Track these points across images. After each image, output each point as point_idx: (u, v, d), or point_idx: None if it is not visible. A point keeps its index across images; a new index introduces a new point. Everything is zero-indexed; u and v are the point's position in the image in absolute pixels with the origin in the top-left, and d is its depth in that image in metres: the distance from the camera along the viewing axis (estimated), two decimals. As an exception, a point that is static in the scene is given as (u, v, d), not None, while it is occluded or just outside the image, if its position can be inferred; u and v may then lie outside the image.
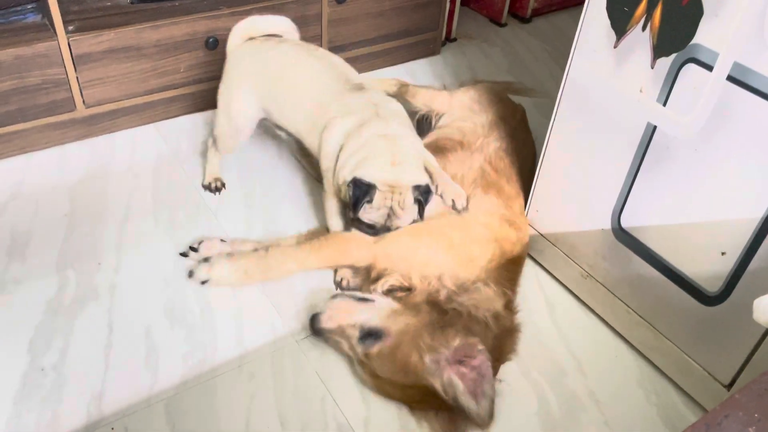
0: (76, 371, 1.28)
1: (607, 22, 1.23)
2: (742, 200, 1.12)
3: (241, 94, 1.56)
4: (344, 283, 1.49)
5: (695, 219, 1.20)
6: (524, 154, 1.68)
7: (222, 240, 1.53)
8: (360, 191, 1.35)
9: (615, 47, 1.23)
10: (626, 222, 1.34)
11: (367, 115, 1.42)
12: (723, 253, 1.17)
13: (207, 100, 2.00)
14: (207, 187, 1.72)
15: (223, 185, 1.73)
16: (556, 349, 1.42)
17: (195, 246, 1.52)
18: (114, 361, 1.31)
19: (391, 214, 1.38)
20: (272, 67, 1.54)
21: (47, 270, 1.48)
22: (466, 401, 1.15)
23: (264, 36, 1.61)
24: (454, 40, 2.54)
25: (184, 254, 1.53)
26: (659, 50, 1.16)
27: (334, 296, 1.34)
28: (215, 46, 1.89)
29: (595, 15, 1.25)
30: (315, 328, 1.30)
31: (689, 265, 1.24)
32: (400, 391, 1.25)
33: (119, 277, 1.48)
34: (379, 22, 2.19)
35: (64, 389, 1.25)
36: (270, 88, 1.54)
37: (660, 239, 1.28)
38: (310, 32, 2.05)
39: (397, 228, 1.41)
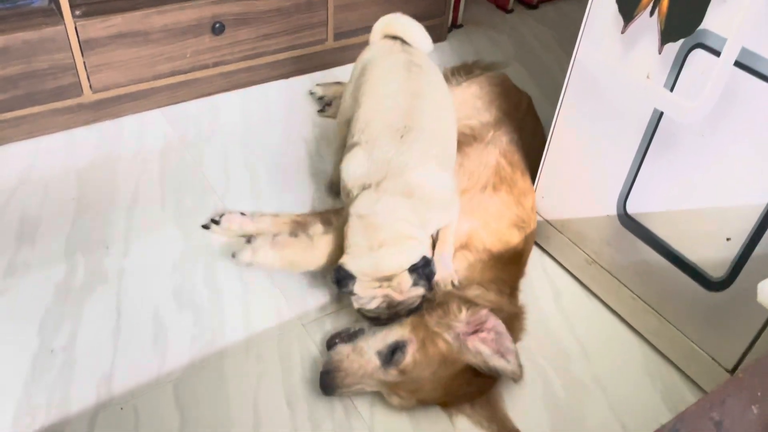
0: (86, 353, 1.30)
1: (615, 7, 1.22)
2: (747, 186, 1.12)
3: (349, 88, 1.54)
4: None
5: (701, 205, 1.20)
6: (535, 145, 1.67)
7: (242, 213, 1.56)
8: (340, 279, 1.23)
9: (622, 33, 1.23)
10: (632, 208, 1.34)
11: (370, 179, 1.30)
12: (728, 239, 1.18)
13: (213, 86, 2.01)
14: None
15: None
16: (561, 335, 1.43)
17: (216, 218, 1.56)
18: (123, 343, 1.32)
19: (390, 302, 1.24)
20: (371, 66, 1.49)
21: (56, 254, 1.49)
22: (497, 362, 1.18)
23: (399, 40, 1.54)
24: (461, 26, 2.53)
25: (205, 227, 1.57)
26: (667, 36, 1.16)
27: (330, 346, 1.27)
28: (221, 31, 1.89)
29: (602, 0, 1.24)
30: (332, 388, 1.21)
31: (694, 251, 1.25)
32: (444, 389, 1.21)
33: (127, 261, 1.49)
34: (385, 8, 2.18)
35: (74, 371, 1.27)
36: (360, 83, 1.49)
37: (665, 225, 1.29)
38: (315, 18, 2.05)
39: (409, 311, 1.26)
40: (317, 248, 1.38)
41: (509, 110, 1.73)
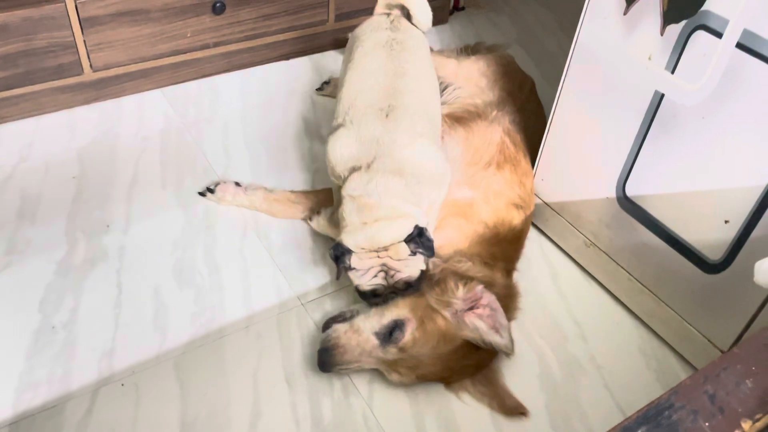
0: (87, 330, 1.31)
1: (618, -12, 1.22)
2: (747, 168, 1.13)
3: (344, 67, 1.56)
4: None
5: (700, 187, 1.21)
6: (536, 128, 1.66)
7: (237, 183, 1.60)
8: (338, 256, 1.24)
9: (624, 14, 1.23)
10: (631, 190, 1.34)
11: (360, 161, 1.30)
12: (726, 221, 1.18)
13: (214, 66, 2.00)
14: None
15: None
16: (559, 316, 1.44)
17: (212, 187, 1.61)
18: (123, 320, 1.33)
19: (387, 270, 1.24)
20: (357, 44, 1.51)
21: (57, 231, 1.50)
22: (492, 337, 1.21)
23: (396, 14, 1.58)
24: (462, 8, 2.52)
25: (201, 194, 1.62)
26: (669, 17, 1.15)
27: (327, 327, 1.26)
28: (222, 10, 1.88)
29: (605, -19, 1.24)
30: (330, 366, 1.21)
31: (692, 233, 1.26)
32: (443, 365, 1.23)
33: (128, 239, 1.49)
34: (386, -11, 2.17)
35: (75, 346, 1.28)
36: (346, 66, 1.52)
37: (664, 207, 1.29)
38: (317, -2, 2.04)
39: (408, 285, 1.26)
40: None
41: (513, 91, 1.72)
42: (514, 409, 1.24)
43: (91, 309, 1.35)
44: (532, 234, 1.61)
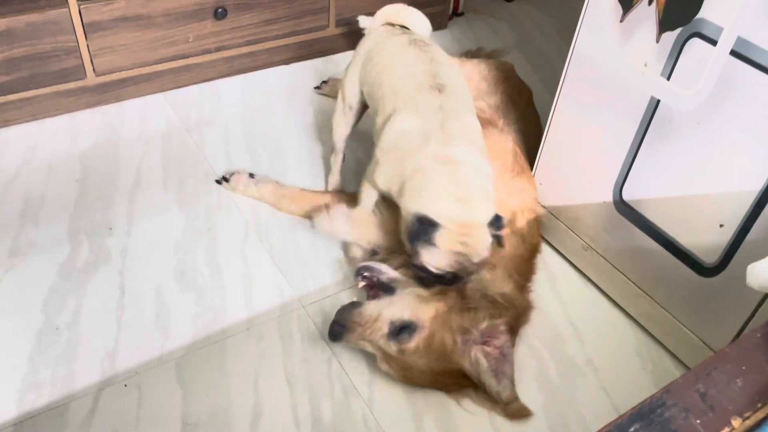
0: (90, 331, 1.32)
1: (614, -5, 1.24)
2: (741, 172, 1.14)
3: (353, 72, 1.56)
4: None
5: (695, 191, 1.23)
6: (538, 139, 1.67)
7: (251, 175, 1.66)
8: (421, 230, 1.14)
9: (621, 21, 1.24)
10: (628, 195, 1.36)
11: (430, 126, 1.28)
12: (721, 225, 1.20)
13: (215, 70, 2.02)
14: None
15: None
16: (556, 318, 1.46)
17: (227, 176, 1.67)
18: (126, 321, 1.35)
19: (465, 261, 1.18)
20: (377, 50, 1.52)
21: (60, 234, 1.51)
22: (489, 379, 1.21)
23: (399, 26, 1.59)
24: (462, 14, 2.54)
25: (218, 181, 1.68)
26: (665, 25, 1.17)
27: (360, 273, 1.29)
28: (224, 16, 1.90)
29: (602, -12, 1.26)
30: (339, 340, 1.24)
31: (688, 237, 1.27)
32: (431, 379, 1.24)
33: (130, 241, 1.51)
34: (387, -5, 2.19)
35: (78, 347, 1.29)
36: (369, 68, 1.51)
37: (660, 212, 1.31)
38: (317, 4, 2.06)
39: (470, 274, 1.22)
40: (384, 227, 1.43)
41: (513, 97, 1.74)
42: (518, 413, 1.24)
43: (94, 310, 1.36)
44: (530, 237, 1.62)
